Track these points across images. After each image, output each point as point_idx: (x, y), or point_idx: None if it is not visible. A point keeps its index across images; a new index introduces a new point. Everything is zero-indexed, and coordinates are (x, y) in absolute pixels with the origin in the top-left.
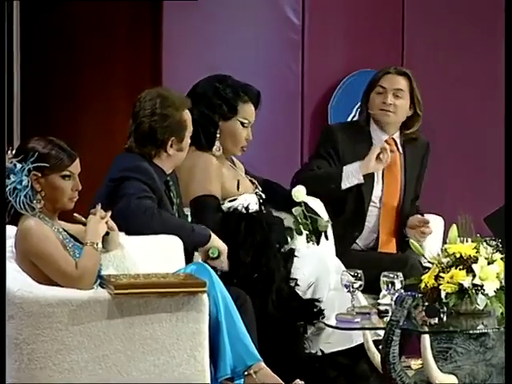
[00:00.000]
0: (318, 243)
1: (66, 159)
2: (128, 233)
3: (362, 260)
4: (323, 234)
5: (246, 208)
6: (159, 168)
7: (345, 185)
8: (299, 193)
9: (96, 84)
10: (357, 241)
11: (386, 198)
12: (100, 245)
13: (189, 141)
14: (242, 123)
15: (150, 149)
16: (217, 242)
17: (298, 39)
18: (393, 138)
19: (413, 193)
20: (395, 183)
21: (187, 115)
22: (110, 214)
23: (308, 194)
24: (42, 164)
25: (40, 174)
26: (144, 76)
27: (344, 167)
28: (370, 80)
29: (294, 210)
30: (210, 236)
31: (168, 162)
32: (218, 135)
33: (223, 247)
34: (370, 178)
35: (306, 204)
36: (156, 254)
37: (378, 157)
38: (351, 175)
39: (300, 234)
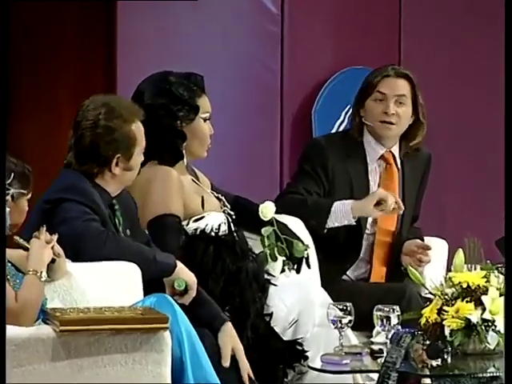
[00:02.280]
0: (297, 271)
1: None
2: (75, 261)
3: (351, 291)
4: (304, 260)
5: (216, 229)
6: (102, 189)
7: (332, 224)
8: (267, 209)
9: (38, 86)
10: (347, 272)
11: (382, 223)
12: (44, 273)
13: (141, 159)
14: (205, 119)
15: (90, 166)
16: (184, 273)
17: (277, 31)
18: (391, 152)
19: (411, 214)
20: None
21: (138, 129)
22: (56, 237)
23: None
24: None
25: (11, 199)
26: (95, 77)
27: (335, 204)
28: (363, 84)
29: (263, 230)
30: (176, 266)
31: (113, 182)
32: (184, 144)
33: (192, 279)
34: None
35: (280, 223)
36: (109, 284)
37: (378, 202)
38: (341, 215)
39: (274, 259)
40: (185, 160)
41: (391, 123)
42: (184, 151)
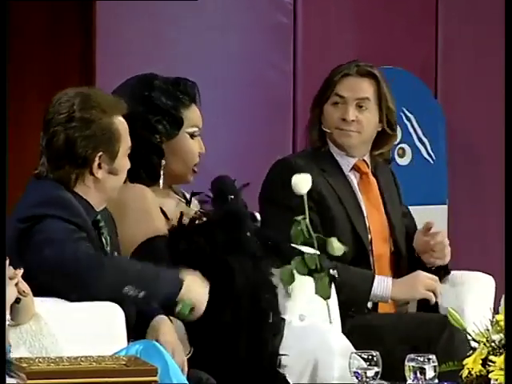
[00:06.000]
0: (329, 287)
1: None
2: (63, 295)
3: (370, 328)
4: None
5: None
6: (84, 200)
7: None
8: (302, 183)
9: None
10: None
11: (376, 239)
12: (8, 316)
13: (127, 162)
14: (192, 134)
15: (67, 171)
16: (191, 292)
17: (289, 24)
18: (364, 160)
19: (401, 224)
20: (378, 217)
21: (121, 123)
22: (21, 272)
23: None
24: None
25: None
26: (69, 81)
27: (375, 283)
28: (322, 84)
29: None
30: (182, 282)
31: (97, 191)
32: (163, 162)
33: (200, 299)
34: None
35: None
36: (87, 329)
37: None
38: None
39: (305, 272)
40: (161, 182)
41: (351, 131)
42: (162, 172)
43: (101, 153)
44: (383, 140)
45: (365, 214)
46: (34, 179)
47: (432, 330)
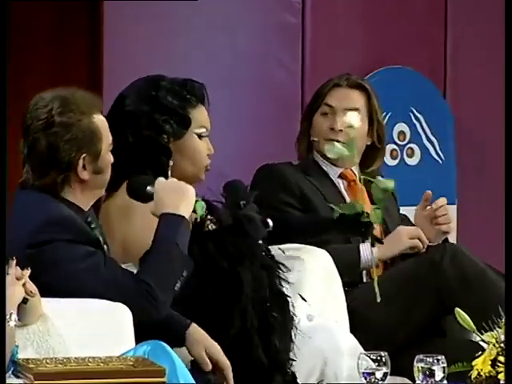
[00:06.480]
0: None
1: None
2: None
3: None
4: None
5: None
6: (74, 205)
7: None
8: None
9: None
10: None
11: None
12: (15, 316)
13: (110, 158)
14: (199, 135)
15: (53, 177)
16: (187, 204)
17: (297, 24)
18: (351, 170)
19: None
20: None
21: (100, 121)
22: (28, 272)
23: None
24: None
25: None
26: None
27: (360, 248)
28: (312, 97)
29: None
30: (180, 219)
31: (84, 192)
32: (171, 162)
33: (191, 199)
34: None
35: None
36: (94, 329)
37: None
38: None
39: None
40: None
41: (338, 141)
42: (170, 172)
43: (84, 154)
44: (373, 155)
45: None
46: (20, 189)
47: (434, 253)
